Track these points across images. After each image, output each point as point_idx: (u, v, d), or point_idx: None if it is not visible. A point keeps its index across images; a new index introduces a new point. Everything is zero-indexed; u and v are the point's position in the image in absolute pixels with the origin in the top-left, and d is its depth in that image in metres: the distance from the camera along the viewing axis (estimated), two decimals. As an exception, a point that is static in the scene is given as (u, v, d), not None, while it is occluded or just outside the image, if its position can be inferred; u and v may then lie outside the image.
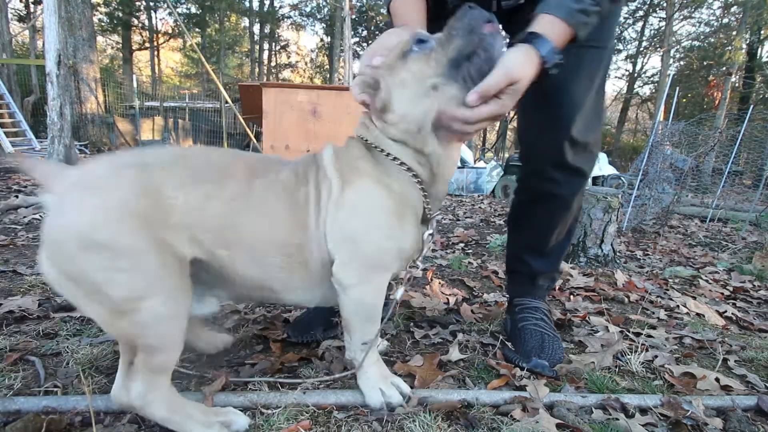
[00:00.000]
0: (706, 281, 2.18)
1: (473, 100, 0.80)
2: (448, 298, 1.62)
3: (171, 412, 0.77)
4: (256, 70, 22.20)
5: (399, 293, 0.96)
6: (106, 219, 0.68)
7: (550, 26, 0.88)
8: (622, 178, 6.36)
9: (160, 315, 0.71)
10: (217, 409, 0.84)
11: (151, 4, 18.69)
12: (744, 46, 15.76)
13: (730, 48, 15.85)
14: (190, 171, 0.78)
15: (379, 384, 0.93)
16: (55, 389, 0.92)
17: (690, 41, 19.26)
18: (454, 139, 0.88)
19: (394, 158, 0.87)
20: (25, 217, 2.66)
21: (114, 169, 0.73)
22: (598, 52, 1.11)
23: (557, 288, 1.87)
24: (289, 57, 25.48)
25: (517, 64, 0.81)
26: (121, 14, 17.49)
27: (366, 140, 0.90)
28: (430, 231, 0.95)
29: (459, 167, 6.43)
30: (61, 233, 0.67)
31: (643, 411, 0.96)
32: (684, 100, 18.57)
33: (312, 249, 0.85)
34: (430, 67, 0.83)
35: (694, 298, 1.88)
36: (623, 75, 22.90)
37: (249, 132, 10.08)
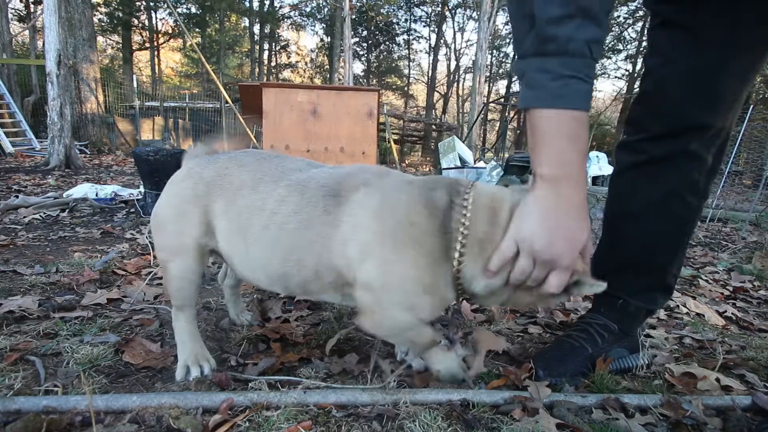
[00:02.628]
0: (706, 281, 2.17)
1: None
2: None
3: (178, 340, 1.05)
4: (256, 70, 22.18)
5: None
6: (163, 211, 1.00)
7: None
8: (622, 178, 6.34)
9: (175, 273, 0.99)
10: (206, 354, 1.06)
11: (151, 4, 18.67)
12: (744, 46, 15.75)
13: (730, 48, 15.80)
14: (227, 186, 0.95)
15: (450, 369, 0.99)
16: (56, 389, 0.92)
17: (690, 41, 19.22)
18: None
19: None
20: (25, 217, 2.66)
21: (183, 175, 1.00)
22: None
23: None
24: (289, 57, 25.48)
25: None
26: (121, 14, 17.47)
27: None
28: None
29: (459, 167, 6.42)
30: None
31: (643, 411, 0.96)
32: (684, 100, 18.52)
33: (308, 266, 0.89)
34: None
35: (694, 298, 1.88)
36: (623, 75, 22.96)
37: (249, 132, 10.08)
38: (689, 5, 0.92)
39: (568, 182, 0.73)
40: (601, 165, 7.17)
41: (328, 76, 21.15)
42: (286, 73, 25.49)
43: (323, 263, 0.87)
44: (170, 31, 20.85)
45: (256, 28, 22.19)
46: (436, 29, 24.19)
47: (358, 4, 20.89)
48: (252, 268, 0.95)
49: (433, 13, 24.62)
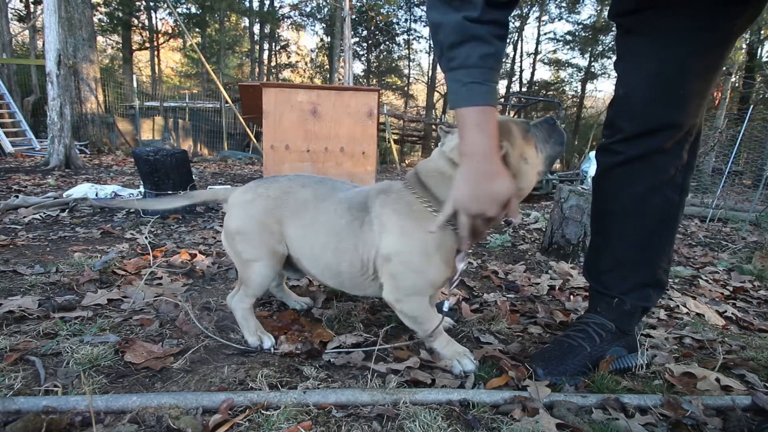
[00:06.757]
0: (706, 281, 2.17)
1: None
2: (448, 298, 1.61)
3: (243, 318, 1.23)
4: (256, 70, 22.16)
5: (446, 305, 1.15)
6: (245, 223, 1.19)
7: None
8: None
9: (260, 271, 1.19)
10: (265, 331, 1.23)
11: (151, 4, 18.64)
12: (744, 46, 15.73)
13: (730, 48, 15.77)
14: (292, 203, 1.17)
15: (455, 358, 1.11)
16: (55, 389, 0.92)
17: (690, 41, 19.18)
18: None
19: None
20: (25, 217, 2.66)
21: (254, 196, 1.21)
22: None
23: (557, 288, 1.87)
24: (289, 57, 25.44)
25: None
26: (121, 14, 17.43)
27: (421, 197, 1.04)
28: (461, 257, 1.06)
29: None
30: (225, 228, 1.22)
31: (643, 411, 0.96)
32: (684, 100, 18.49)
33: (355, 264, 1.11)
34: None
35: (694, 298, 1.88)
36: (623, 75, 22.86)
37: (249, 132, 10.08)
38: (647, 14, 0.99)
39: (479, 157, 0.91)
40: (601, 165, 7.15)
41: (328, 76, 21.13)
42: (286, 73, 25.48)
43: (366, 259, 1.10)
44: (170, 31, 20.82)
45: (256, 28, 22.17)
46: (436, 29, 24.08)
47: (358, 4, 20.86)
48: (318, 268, 1.17)
49: (433, 13, 24.49)
